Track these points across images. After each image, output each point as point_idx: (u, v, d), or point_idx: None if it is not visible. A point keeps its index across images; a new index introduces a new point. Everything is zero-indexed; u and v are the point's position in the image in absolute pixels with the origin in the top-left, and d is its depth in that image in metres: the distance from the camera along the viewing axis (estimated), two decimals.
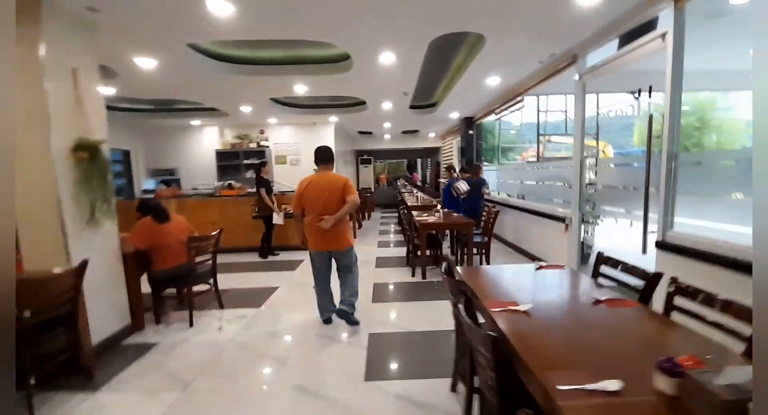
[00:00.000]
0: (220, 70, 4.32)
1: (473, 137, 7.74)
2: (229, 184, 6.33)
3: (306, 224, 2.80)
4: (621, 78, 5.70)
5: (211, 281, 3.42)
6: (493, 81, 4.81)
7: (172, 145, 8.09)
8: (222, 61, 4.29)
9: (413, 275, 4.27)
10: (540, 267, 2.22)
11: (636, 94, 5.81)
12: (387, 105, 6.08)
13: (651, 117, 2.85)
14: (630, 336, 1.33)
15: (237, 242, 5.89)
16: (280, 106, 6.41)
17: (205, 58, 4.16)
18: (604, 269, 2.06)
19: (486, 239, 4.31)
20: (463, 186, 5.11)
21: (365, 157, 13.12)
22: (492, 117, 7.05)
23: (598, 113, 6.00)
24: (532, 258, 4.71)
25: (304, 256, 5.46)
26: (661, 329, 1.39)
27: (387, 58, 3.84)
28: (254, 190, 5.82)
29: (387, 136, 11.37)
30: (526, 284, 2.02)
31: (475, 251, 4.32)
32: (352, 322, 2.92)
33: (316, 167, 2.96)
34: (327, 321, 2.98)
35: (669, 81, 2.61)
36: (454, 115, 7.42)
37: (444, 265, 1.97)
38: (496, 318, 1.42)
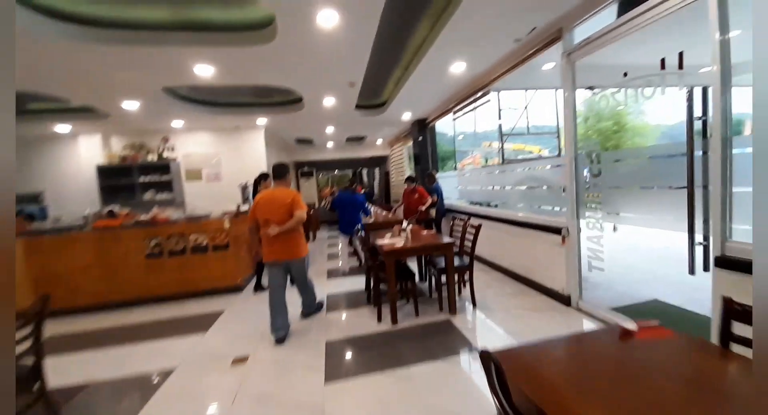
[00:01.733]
0: (68, 36, 2.78)
1: (426, 142, 6.94)
2: (110, 211, 4.54)
3: (261, 236, 2.93)
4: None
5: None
6: (458, 68, 3.98)
7: (35, 163, 5.89)
8: (68, 22, 2.76)
9: (379, 320, 3.11)
10: (626, 333, 1.25)
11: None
12: (329, 101, 4.94)
13: (691, 91, 2.16)
14: None
15: (123, 293, 4.14)
16: (183, 103, 4.86)
17: (34, 15, 2.61)
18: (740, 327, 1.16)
19: (468, 261, 3.35)
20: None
21: (306, 169, 11.69)
22: (447, 118, 6.33)
23: (592, 88, 5.62)
24: (522, 280, 3.87)
25: (227, 304, 3.97)
26: None
27: (327, 20, 2.73)
28: (148, 217, 4.18)
29: (330, 145, 10.18)
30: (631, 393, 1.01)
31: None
32: (315, 312, 3.37)
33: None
34: (279, 340, 2.86)
35: (717, 45, 1.94)
36: (406, 117, 6.56)
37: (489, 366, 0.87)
38: None
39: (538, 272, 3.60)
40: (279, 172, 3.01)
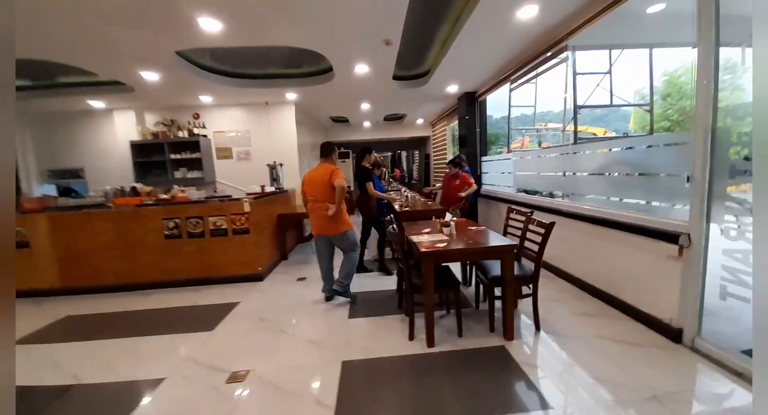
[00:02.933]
0: None
1: (476, 119, 5.99)
2: (132, 188, 4.33)
3: (308, 210, 3.21)
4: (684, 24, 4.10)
5: None
6: (527, 12, 3.03)
7: (74, 138, 5.96)
8: None
9: (411, 338, 2.47)
10: None
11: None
12: (362, 68, 4.23)
13: None
14: None
15: (142, 274, 3.94)
16: (204, 75, 4.43)
17: None
18: None
19: (531, 269, 2.56)
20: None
21: (342, 150, 11.22)
22: (498, 92, 5.33)
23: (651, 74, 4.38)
24: (603, 297, 2.99)
25: (245, 294, 3.58)
26: None
27: None
28: (168, 196, 3.89)
29: (366, 124, 9.51)
30: None
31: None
32: (345, 296, 3.29)
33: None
34: (328, 298, 3.32)
35: None
36: (452, 89, 5.65)
37: None
38: None
39: (630, 291, 2.70)
40: (324, 150, 3.19)
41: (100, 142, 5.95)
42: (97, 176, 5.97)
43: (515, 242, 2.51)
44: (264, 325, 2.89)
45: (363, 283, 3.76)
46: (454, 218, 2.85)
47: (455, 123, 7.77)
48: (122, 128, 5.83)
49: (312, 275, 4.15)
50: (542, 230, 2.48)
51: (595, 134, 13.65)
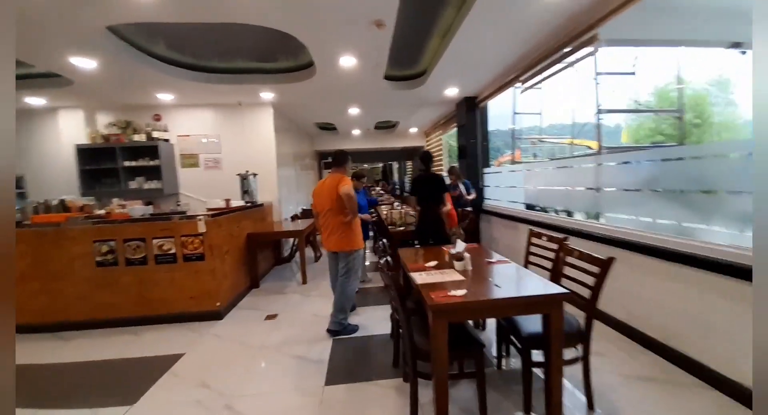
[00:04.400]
0: None
1: (476, 128, 5.39)
2: (61, 201, 3.49)
3: (318, 226, 2.98)
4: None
5: None
6: None
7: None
8: None
9: None
10: None
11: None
12: (348, 61, 3.55)
13: None
14: None
15: (67, 312, 3.11)
16: (151, 61, 3.69)
17: None
18: None
19: (580, 324, 1.85)
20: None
21: (329, 160, 10.51)
22: (502, 97, 4.76)
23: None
24: (682, 362, 2.29)
25: (195, 340, 2.77)
26: None
27: None
28: (102, 212, 3.10)
29: (356, 132, 8.86)
30: None
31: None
32: (345, 333, 2.81)
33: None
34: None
35: None
36: (450, 93, 5.05)
37: None
38: None
39: (696, 343, 2.02)
40: (336, 158, 2.95)
41: (42, 146, 5.08)
42: (40, 187, 5.07)
43: (560, 287, 1.79)
44: (206, 396, 2.08)
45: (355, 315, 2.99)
46: (464, 245, 2.12)
47: (452, 132, 7.19)
48: (68, 130, 4.99)
49: (287, 310, 3.37)
50: (595, 268, 1.79)
51: (590, 147, 13.37)
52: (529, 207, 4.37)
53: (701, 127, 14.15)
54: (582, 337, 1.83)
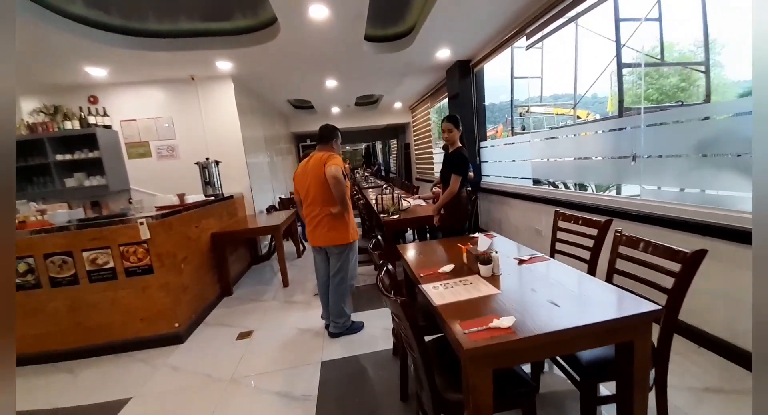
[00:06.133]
0: None
1: (471, 95, 4.76)
2: None
3: (302, 216, 2.47)
4: None
5: None
6: None
7: None
8: None
9: None
10: None
11: None
12: (318, 11, 2.82)
13: None
14: None
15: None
16: (62, 21, 2.86)
17: None
18: None
19: (660, 339, 1.34)
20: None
21: (309, 142, 9.74)
22: (499, 59, 4.14)
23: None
24: (726, 351, 1.85)
25: (147, 376, 2.19)
26: None
27: None
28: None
29: (335, 110, 8.08)
30: None
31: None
32: (349, 333, 2.47)
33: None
34: (327, 326, 2.54)
35: None
36: (442, 55, 4.37)
37: None
38: None
39: None
40: (322, 134, 2.41)
41: None
42: None
43: (647, 302, 1.26)
44: None
45: (341, 343, 2.45)
46: (488, 241, 1.57)
47: (441, 104, 6.54)
48: None
49: (265, 323, 2.80)
50: (674, 265, 1.27)
51: (579, 117, 12.95)
52: (536, 182, 3.87)
53: (687, 90, 13.96)
54: (657, 358, 1.33)
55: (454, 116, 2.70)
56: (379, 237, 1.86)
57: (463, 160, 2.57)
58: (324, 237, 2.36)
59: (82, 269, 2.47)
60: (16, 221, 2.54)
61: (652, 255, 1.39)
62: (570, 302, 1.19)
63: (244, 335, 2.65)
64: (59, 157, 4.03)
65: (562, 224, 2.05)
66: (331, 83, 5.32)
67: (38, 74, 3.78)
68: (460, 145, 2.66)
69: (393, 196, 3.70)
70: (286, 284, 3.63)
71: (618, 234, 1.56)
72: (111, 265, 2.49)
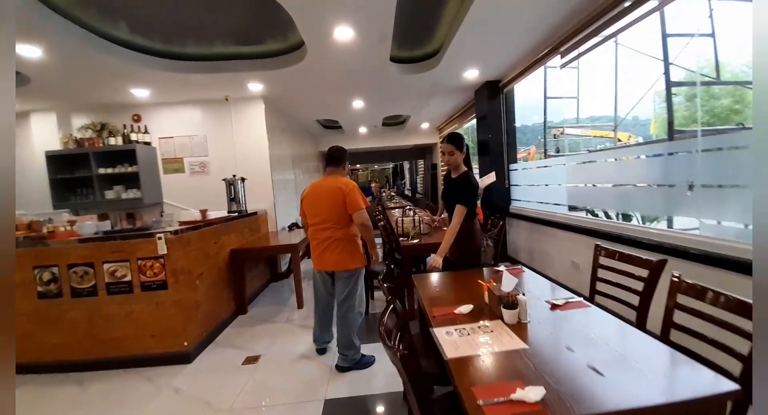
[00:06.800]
0: None
1: (500, 116, 4.59)
2: None
3: (309, 236, 2.42)
4: None
5: None
6: None
7: None
8: None
9: None
10: None
11: None
12: (343, 33, 2.84)
13: None
14: None
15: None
16: (107, 45, 3.07)
17: None
18: None
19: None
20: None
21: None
22: (530, 79, 3.97)
23: None
24: None
25: (153, 394, 2.11)
26: None
27: None
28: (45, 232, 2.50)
29: (362, 130, 8.17)
30: None
31: None
32: (359, 368, 2.30)
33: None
34: (320, 351, 2.53)
35: None
36: (470, 76, 4.27)
37: None
38: None
39: None
40: (332, 156, 2.40)
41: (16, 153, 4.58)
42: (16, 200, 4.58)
43: (723, 379, 1.00)
44: None
45: (348, 379, 2.26)
46: (513, 281, 1.37)
47: (469, 124, 6.40)
48: (40, 136, 4.48)
49: (272, 349, 2.68)
50: (744, 321, 1.00)
51: (620, 140, 12.20)
52: (572, 209, 3.56)
53: (742, 113, 12.87)
54: None
55: (456, 136, 2.23)
56: (392, 266, 1.70)
57: (469, 187, 2.15)
58: (333, 261, 2.26)
59: (101, 280, 2.50)
60: (45, 230, 2.66)
61: (723, 310, 1.12)
62: (617, 369, 0.96)
63: (251, 360, 2.54)
64: (101, 170, 4.29)
65: (604, 260, 1.79)
66: (357, 104, 5.38)
67: (90, 94, 4.11)
68: (466, 169, 2.24)
69: (414, 219, 3.54)
70: (300, 305, 3.52)
71: (676, 279, 1.30)
72: (128, 278, 2.51)
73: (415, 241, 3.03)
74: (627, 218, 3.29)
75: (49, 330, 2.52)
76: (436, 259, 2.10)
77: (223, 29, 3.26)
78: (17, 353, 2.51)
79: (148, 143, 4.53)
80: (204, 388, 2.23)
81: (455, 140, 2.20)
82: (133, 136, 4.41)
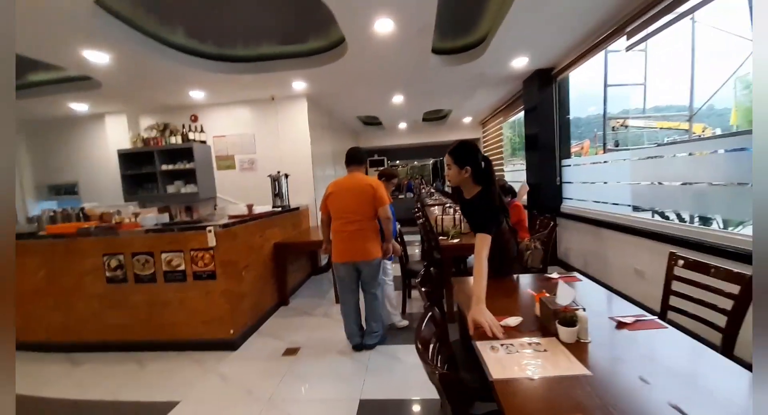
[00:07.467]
0: None
1: (552, 106, 4.24)
2: (81, 209, 3.27)
3: (332, 231, 2.57)
4: None
5: None
6: None
7: (66, 149, 5.25)
8: None
9: None
10: None
11: None
12: (383, 25, 2.77)
13: None
14: None
15: (78, 332, 2.87)
16: (165, 50, 3.28)
17: None
18: None
19: None
20: None
21: (376, 157, 9.92)
22: (592, 62, 3.59)
23: None
24: None
25: (199, 379, 2.24)
26: None
27: None
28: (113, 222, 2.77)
29: (402, 126, 8.07)
30: None
31: None
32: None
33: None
34: (357, 347, 2.57)
35: None
36: (518, 64, 3.99)
37: None
38: None
39: None
40: (351, 156, 2.62)
41: (92, 152, 5.18)
42: (92, 192, 5.21)
43: None
44: None
45: (383, 379, 2.22)
46: (572, 293, 1.21)
47: (515, 118, 6.03)
48: (114, 136, 4.99)
49: (311, 341, 2.74)
50: None
51: (695, 133, 10.79)
52: (635, 210, 3.18)
53: None
54: None
55: (460, 146, 1.69)
56: (431, 268, 1.61)
57: (488, 212, 1.58)
58: (362, 250, 2.47)
59: (159, 268, 2.71)
60: (114, 221, 2.94)
61: None
62: (707, 410, 0.79)
63: (291, 352, 2.60)
64: (164, 167, 4.67)
65: (680, 271, 1.54)
66: (398, 99, 5.29)
67: (153, 96, 4.48)
68: (480, 187, 1.68)
69: (455, 218, 3.40)
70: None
71: None
72: (182, 267, 2.69)
73: (455, 240, 2.90)
74: (706, 221, 2.86)
75: (115, 312, 2.79)
76: (477, 312, 1.25)
77: (268, 30, 3.35)
78: (90, 331, 2.82)
79: (203, 142, 4.85)
80: (246, 376, 2.32)
81: (456, 152, 1.67)
82: (191, 135, 4.73)
